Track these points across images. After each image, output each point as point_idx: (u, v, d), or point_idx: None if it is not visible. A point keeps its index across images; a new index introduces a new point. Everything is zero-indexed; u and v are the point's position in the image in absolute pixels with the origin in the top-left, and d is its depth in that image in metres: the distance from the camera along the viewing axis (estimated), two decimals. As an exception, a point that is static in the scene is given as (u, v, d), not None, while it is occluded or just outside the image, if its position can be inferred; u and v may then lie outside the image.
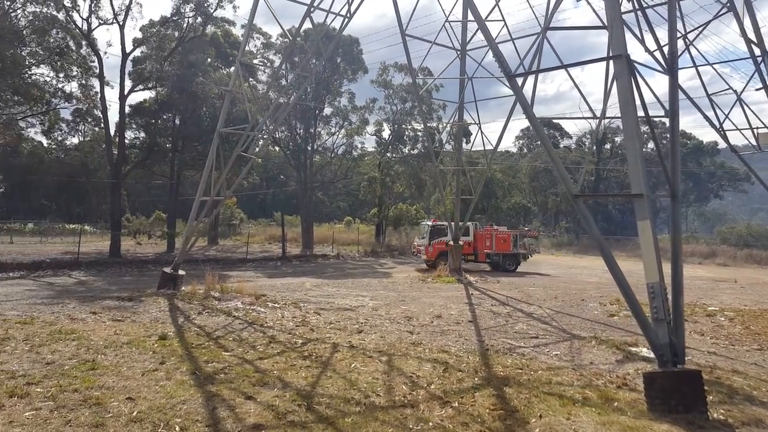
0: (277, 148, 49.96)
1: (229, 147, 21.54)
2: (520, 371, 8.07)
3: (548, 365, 8.56)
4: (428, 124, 33.72)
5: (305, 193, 40.91)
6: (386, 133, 45.04)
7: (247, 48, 32.56)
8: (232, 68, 37.00)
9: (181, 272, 16.43)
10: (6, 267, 21.56)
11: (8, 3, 26.84)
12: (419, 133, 43.95)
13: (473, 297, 16.78)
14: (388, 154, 45.27)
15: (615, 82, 7.46)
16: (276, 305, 13.83)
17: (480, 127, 22.64)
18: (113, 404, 5.92)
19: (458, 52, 22.03)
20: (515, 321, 12.67)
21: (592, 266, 31.09)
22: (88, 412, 5.64)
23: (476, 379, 7.59)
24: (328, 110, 43.39)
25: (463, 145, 29.40)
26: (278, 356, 8.55)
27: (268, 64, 39.33)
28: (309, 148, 42.38)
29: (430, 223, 27.89)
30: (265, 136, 19.65)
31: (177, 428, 5.31)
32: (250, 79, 36.09)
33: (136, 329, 10.21)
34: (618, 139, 58.42)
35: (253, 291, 15.17)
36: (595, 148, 57.67)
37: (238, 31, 38.54)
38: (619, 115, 7.39)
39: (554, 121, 56.63)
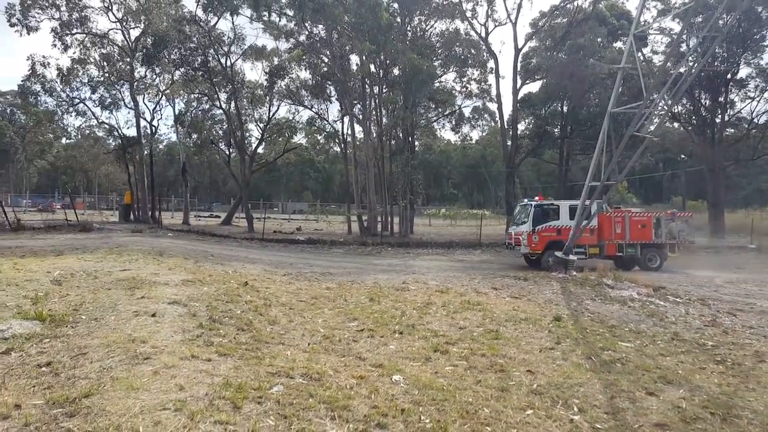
0: (675, 124, 44.75)
1: (621, 128, 20.50)
2: None
3: None
4: None
5: (713, 173, 35.37)
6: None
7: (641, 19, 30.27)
8: (619, 44, 35.09)
9: (572, 257, 16.66)
10: (427, 245, 26.31)
11: (424, 25, 32.40)
12: None
13: None
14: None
15: None
16: (678, 300, 12.46)
17: None
18: (515, 374, 6.39)
19: None
20: None
21: None
22: (494, 377, 6.25)
23: None
24: (743, 72, 36.28)
25: None
26: (683, 355, 7.69)
27: (667, 31, 35.55)
28: (717, 121, 36.41)
29: (533, 203, 20.01)
30: (661, 113, 17.80)
31: (575, 408, 5.38)
32: (643, 50, 33.41)
33: (531, 307, 10.86)
34: None
35: (650, 282, 14.09)
36: None
37: (629, 3, 36.21)
38: None
39: None
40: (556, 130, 38.89)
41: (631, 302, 11.91)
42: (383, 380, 5.85)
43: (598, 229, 19.58)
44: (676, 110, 35.09)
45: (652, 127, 18.25)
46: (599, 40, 34.01)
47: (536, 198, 20.42)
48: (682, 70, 19.71)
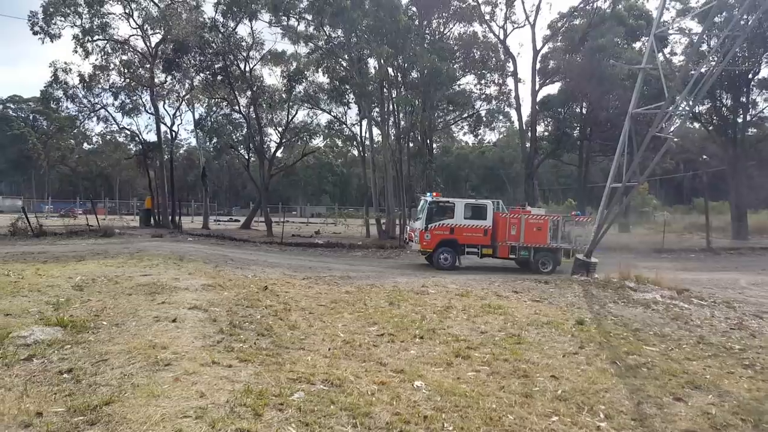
0: (696, 125, 44.08)
1: (642, 129, 20.21)
2: None
3: None
4: None
5: (735, 174, 34.72)
6: None
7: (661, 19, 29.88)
8: (638, 44, 34.61)
9: (593, 259, 16.46)
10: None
11: (443, 28, 32.33)
12: None
13: None
14: None
15: None
16: (702, 302, 12.23)
17: None
18: (539, 379, 6.30)
19: None
20: None
21: None
22: (518, 382, 6.16)
23: None
24: (765, 71, 35.72)
25: None
26: (710, 359, 7.55)
27: (687, 31, 35.03)
28: (739, 120, 35.76)
29: (428, 199, 19.26)
30: (683, 113, 17.53)
31: (601, 415, 5.29)
32: (663, 51, 32.97)
33: (553, 311, 10.73)
34: None
35: (674, 284, 13.85)
36: None
37: (648, 3, 35.76)
38: None
39: None
40: (575, 132, 38.51)
41: (655, 305, 11.71)
42: (405, 386, 5.81)
43: (493, 229, 19.04)
44: (697, 110, 34.51)
45: (672, 128, 17.92)
46: (617, 40, 33.64)
47: (434, 194, 19.74)
48: (703, 70, 19.37)
